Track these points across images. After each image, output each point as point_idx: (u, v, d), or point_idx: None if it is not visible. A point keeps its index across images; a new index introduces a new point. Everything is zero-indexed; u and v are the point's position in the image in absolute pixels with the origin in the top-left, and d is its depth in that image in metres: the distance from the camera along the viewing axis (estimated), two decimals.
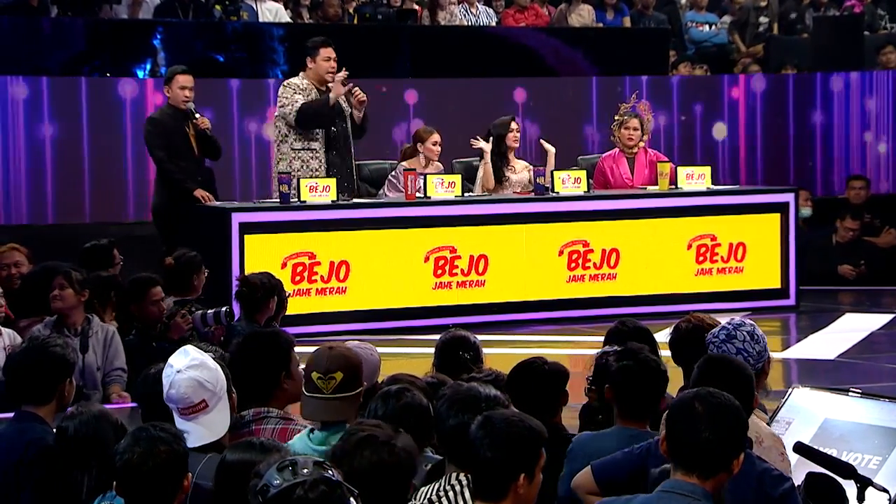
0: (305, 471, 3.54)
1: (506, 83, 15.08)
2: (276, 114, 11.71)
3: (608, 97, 15.12)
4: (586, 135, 15.28)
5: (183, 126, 11.39)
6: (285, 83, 11.67)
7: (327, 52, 11.58)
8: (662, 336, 6.58)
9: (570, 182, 11.87)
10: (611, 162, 12.54)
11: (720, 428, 4.15)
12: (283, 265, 10.91)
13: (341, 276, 11.17)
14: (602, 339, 6.38)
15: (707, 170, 12.50)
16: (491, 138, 12.25)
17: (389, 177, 12.15)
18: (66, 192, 13.53)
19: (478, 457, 4.17)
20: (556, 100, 15.29)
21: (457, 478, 4.51)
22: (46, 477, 5.11)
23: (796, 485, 4.91)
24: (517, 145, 12.42)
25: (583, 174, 11.99)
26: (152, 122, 11.58)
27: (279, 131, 11.60)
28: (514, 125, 12.42)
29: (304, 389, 5.32)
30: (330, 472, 3.56)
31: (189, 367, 4.85)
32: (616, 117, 12.69)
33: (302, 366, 5.67)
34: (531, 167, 12.25)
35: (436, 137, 12.22)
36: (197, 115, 11.42)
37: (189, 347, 5.00)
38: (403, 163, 12.24)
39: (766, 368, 5.43)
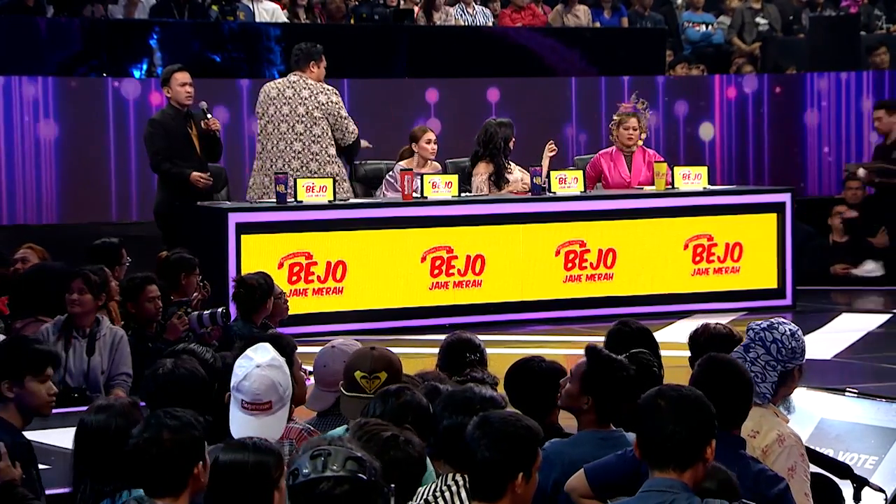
0: (335, 467, 3.55)
1: (482, 83, 15.05)
2: (326, 115, 11.47)
3: (588, 97, 15.16)
4: (567, 135, 15.25)
5: (184, 126, 11.38)
6: (335, 91, 11.61)
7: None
8: (660, 336, 6.58)
9: (567, 182, 11.87)
10: (609, 160, 12.53)
11: (684, 419, 4.22)
12: (280, 265, 10.91)
13: (338, 276, 11.17)
14: (596, 338, 6.36)
15: (703, 170, 12.51)
16: (495, 140, 12.11)
17: (387, 177, 12.15)
18: (68, 192, 13.53)
19: (475, 456, 4.18)
20: (535, 99, 15.24)
21: (453, 478, 4.52)
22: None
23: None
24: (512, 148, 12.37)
25: (579, 174, 11.99)
26: (153, 123, 11.57)
27: (326, 133, 11.50)
28: None
29: (342, 389, 5.33)
30: (365, 466, 3.58)
31: (269, 365, 4.85)
32: (615, 116, 12.69)
33: (305, 366, 5.70)
34: (525, 169, 12.21)
35: (429, 136, 12.20)
36: (209, 116, 11.42)
37: (269, 346, 4.98)
38: (401, 162, 12.24)
39: (796, 375, 5.33)
